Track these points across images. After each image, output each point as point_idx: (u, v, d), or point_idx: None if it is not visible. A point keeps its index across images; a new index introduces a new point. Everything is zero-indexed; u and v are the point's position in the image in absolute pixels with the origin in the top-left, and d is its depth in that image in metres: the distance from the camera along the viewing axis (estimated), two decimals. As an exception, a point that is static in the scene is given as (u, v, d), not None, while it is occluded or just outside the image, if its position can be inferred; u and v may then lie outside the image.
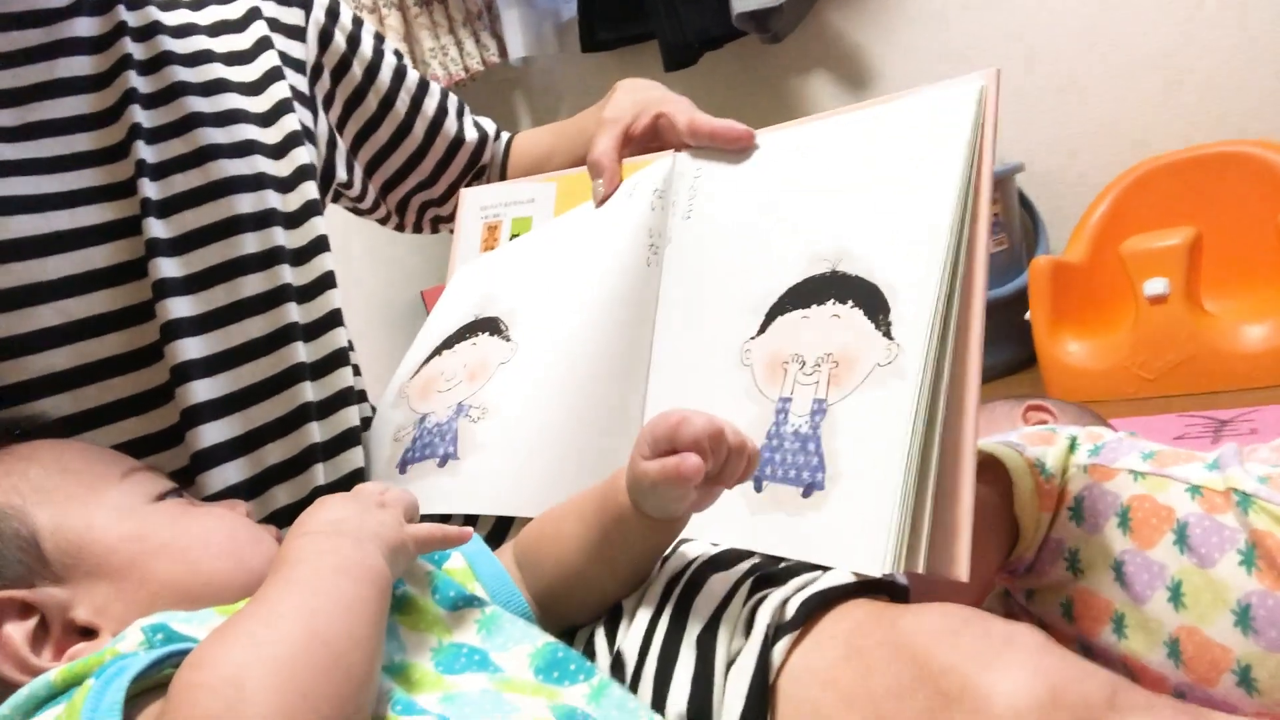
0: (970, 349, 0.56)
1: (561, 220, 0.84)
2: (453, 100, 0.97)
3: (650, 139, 0.81)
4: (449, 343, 0.80)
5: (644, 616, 0.54)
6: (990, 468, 0.64)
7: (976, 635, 0.45)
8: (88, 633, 0.47)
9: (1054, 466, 0.64)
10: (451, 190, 0.97)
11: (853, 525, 0.55)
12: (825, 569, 0.54)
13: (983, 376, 0.55)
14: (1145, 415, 1.34)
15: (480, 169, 0.98)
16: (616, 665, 0.52)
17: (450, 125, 0.95)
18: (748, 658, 0.48)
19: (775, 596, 0.50)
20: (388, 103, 0.90)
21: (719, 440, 0.50)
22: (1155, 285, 1.39)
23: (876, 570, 0.52)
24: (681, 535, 0.60)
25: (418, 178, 0.95)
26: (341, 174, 0.87)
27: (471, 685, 0.45)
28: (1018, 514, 0.63)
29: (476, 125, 0.98)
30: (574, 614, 0.57)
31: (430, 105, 0.93)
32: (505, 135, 1.00)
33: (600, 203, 0.79)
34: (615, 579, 0.56)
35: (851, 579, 0.52)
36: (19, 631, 0.46)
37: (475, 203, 0.90)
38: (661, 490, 0.51)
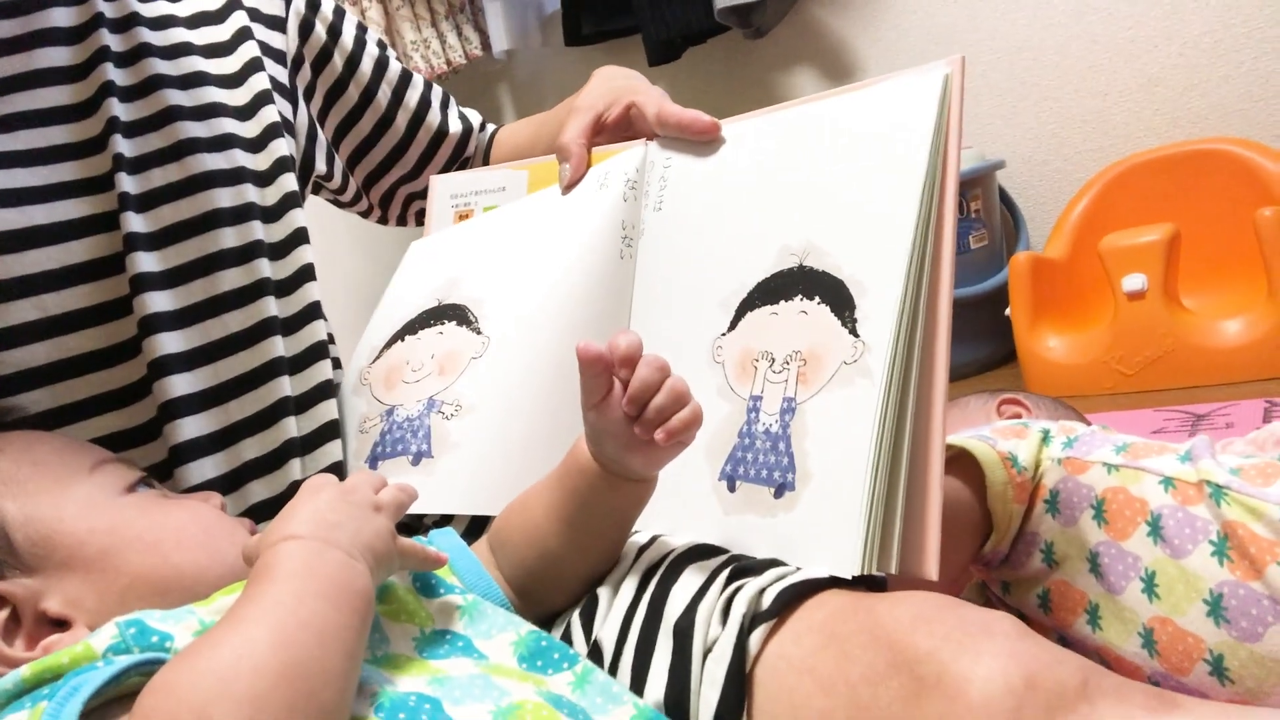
0: (937, 346, 0.55)
1: (526, 203, 0.82)
2: (436, 92, 0.96)
3: (623, 129, 0.81)
4: (411, 328, 0.79)
5: (621, 606, 0.54)
6: (962, 461, 0.64)
7: (953, 623, 0.45)
8: (61, 624, 0.47)
9: (1026, 460, 0.64)
10: None
11: (824, 526, 0.55)
12: None
13: (963, 372, 0.55)
14: (1123, 410, 1.35)
15: (465, 161, 0.98)
16: (594, 654, 0.53)
17: (433, 117, 0.94)
18: (724, 646, 0.49)
19: (752, 586, 0.51)
20: (369, 94, 0.90)
21: (655, 364, 0.51)
22: (1134, 281, 1.40)
23: (849, 571, 0.52)
24: (657, 533, 0.60)
25: (401, 170, 0.94)
26: (321, 166, 0.86)
27: (459, 669, 0.45)
28: (991, 507, 0.64)
29: (461, 117, 0.97)
30: (550, 597, 0.57)
31: (413, 97, 0.93)
32: (491, 127, 1.00)
33: (566, 188, 0.78)
34: (583, 551, 0.56)
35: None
36: None
37: (445, 190, 0.89)
38: (584, 393, 0.52)
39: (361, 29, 0.91)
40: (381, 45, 0.93)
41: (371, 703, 0.40)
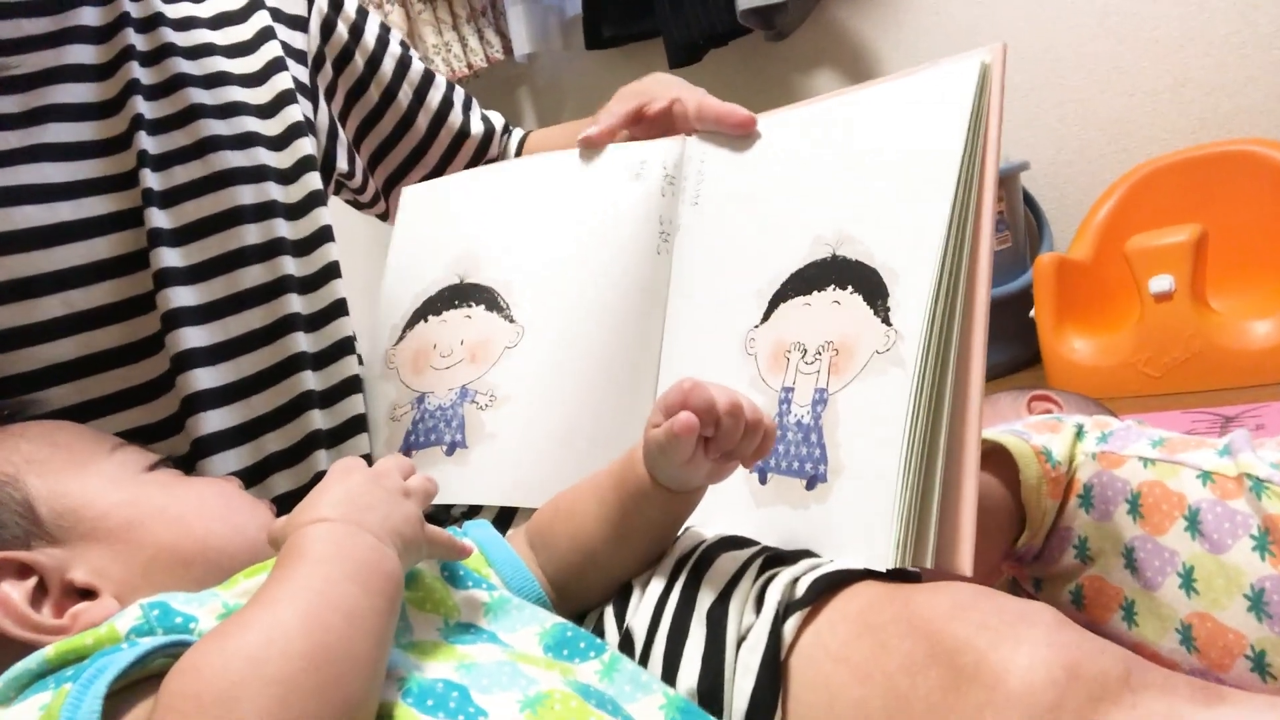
0: (974, 336, 0.54)
1: (542, 161, 0.81)
2: (459, 93, 0.96)
3: (664, 124, 0.81)
4: (434, 307, 0.78)
5: (654, 593, 0.53)
6: (996, 455, 0.64)
7: (991, 612, 0.44)
8: (88, 594, 0.48)
9: (1061, 454, 0.63)
10: None
11: (857, 518, 0.54)
12: None
13: (987, 372, 0.54)
14: (1150, 412, 1.34)
15: (488, 163, 0.97)
16: (625, 642, 0.52)
17: (455, 118, 0.94)
18: (759, 634, 0.48)
19: (785, 575, 0.50)
20: (390, 94, 0.90)
21: (735, 413, 0.50)
22: (1160, 282, 1.39)
23: (884, 564, 0.51)
24: (688, 524, 0.59)
25: (422, 171, 0.94)
26: (342, 165, 0.86)
27: (486, 656, 0.44)
28: (1024, 502, 0.63)
29: (484, 119, 0.97)
30: (589, 594, 0.57)
31: (434, 98, 0.93)
32: (517, 131, 1.00)
33: (584, 141, 0.77)
34: (632, 554, 0.56)
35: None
36: (18, 590, 0.46)
37: None
38: (667, 452, 0.51)
39: (385, 29, 0.91)
40: (404, 45, 0.93)
41: (399, 688, 0.40)
